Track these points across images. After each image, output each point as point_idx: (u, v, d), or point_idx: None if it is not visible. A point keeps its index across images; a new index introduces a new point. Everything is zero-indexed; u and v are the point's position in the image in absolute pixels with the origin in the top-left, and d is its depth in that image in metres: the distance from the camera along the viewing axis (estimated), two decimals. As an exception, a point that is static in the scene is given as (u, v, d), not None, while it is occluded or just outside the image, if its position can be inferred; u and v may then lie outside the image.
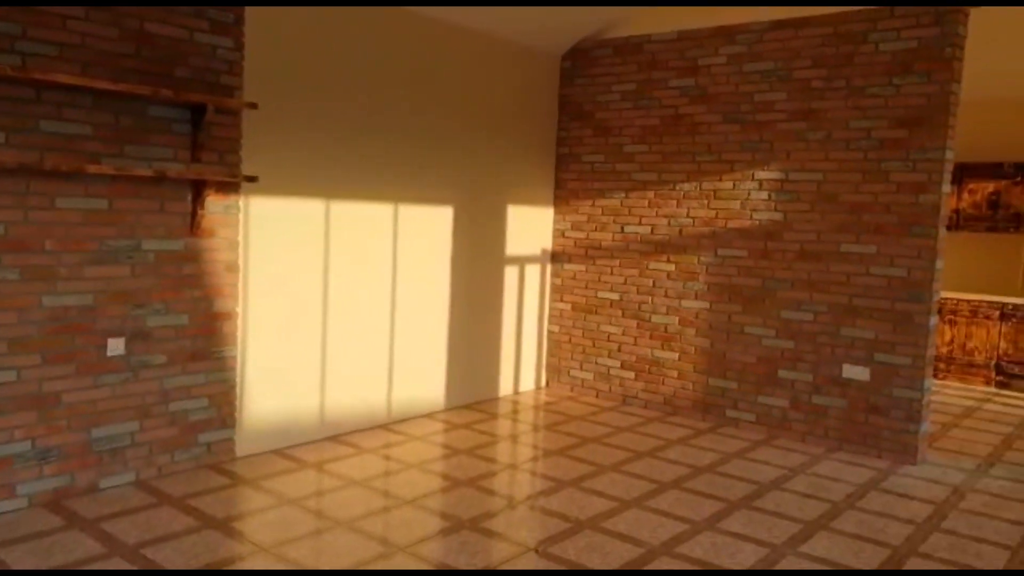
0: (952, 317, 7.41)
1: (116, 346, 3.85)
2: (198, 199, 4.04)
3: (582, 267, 6.28)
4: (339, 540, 3.48)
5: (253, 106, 4.10)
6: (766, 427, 5.40)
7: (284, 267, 4.56)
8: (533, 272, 6.32)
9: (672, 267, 5.81)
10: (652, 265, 5.91)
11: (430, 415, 5.51)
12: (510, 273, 6.10)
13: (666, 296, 5.85)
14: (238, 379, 4.38)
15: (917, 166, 4.80)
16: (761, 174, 5.37)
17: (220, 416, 4.31)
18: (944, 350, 7.44)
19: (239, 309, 4.34)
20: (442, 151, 5.42)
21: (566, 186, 6.33)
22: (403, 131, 5.14)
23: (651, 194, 5.89)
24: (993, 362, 7.24)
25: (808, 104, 5.17)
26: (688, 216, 5.72)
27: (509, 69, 5.87)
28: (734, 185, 5.49)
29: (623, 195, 6.03)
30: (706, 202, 5.63)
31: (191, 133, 4.01)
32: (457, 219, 5.59)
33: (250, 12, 4.22)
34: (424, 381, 5.50)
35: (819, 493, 4.31)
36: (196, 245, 4.12)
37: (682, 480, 4.42)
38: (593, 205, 6.20)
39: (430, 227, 5.43)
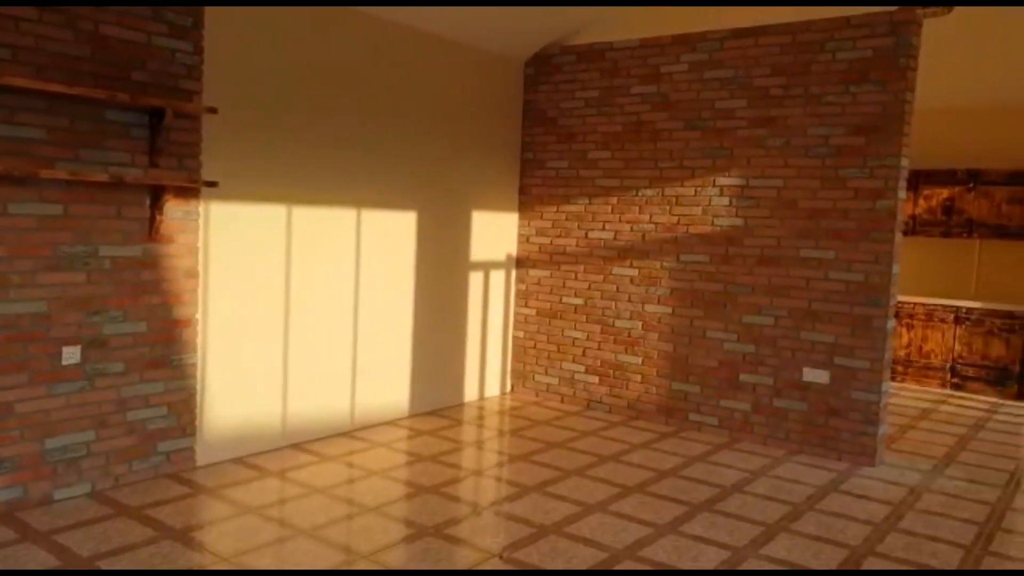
0: (909, 321, 7.58)
1: (71, 354, 3.77)
2: (157, 204, 3.98)
3: (547, 272, 6.30)
4: (301, 549, 3.44)
5: (213, 110, 4.06)
6: (728, 430, 5.46)
7: (245, 273, 4.51)
8: (498, 277, 6.33)
9: (635, 272, 5.86)
10: (616, 270, 5.95)
11: (394, 422, 5.48)
12: (475, 278, 6.09)
13: (630, 301, 5.89)
14: (198, 387, 4.32)
15: (874, 173, 4.90)
16: (722, 180, 5.44)
17: (180, 424, 4.24)
18: (901, 353, 7.60)
19: (199, 316, 4.28)
20: (405, 156, 5.41)
21: (531, 192, 6.36)
22: (366, 136, 5.12)
23: (615, 200, 5.93)
24: (948, 365, 7.41)
25: (767, 111, 5.25)
26: (651, 222, 5.77)
27: (473, 74, 5.88)
28: (695, 191, 5.56)
29: (587, 201, 6.07)
30: (668, 208, 5.69)
31: (149, 138, 3.95)
32: (421, 224, 5.58)
33: (209, 15, 4.17)
34: (388, 388, 5.47)
35: (780, 495, 4.37)
36: (155, 251, 4.05)
37: (645, 484, 4.45)
38: (558, 211, 6.23)
39: (394, 232, 5.40)
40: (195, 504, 3.88)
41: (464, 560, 3.42)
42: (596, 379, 6.08)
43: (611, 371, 6.01)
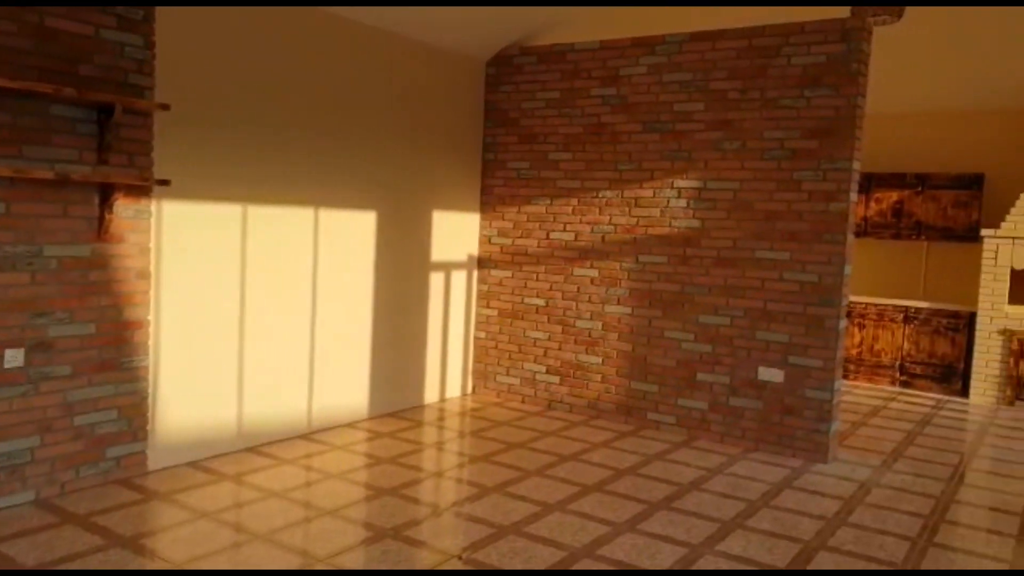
0: (861, 320, 7.75)
1: (14, 357, 3.64)
2: (106, 203, 3.88)
3: (508, 273, 6.30)
4: (257, 553, 3.38)
5: (165, 107, 3.97)
6: (686, 429, 5.52)
7: (200, 273, 4.42)
8: (459, 278, 6.30)
9: (596, 273, 5.89)
10: (577, 271, 5.98)
11: (353, 424, 5.42)
12: (436, 279, 6.06)
13: (590, 302, 5.92)
14: (150, 390, 4.22)
15: (827, 176, 5.00)
16: (680, 182, 5.50)
17: (131, 429, 4.13)
18: (854, 352, 7.77)
19: (151, 317, 4.18)
20: (365, 155, 5.36)
21: (492, 192, 6.35)
22: (324, 135, 5.06)
23: (575, 201, 5.96)
24: (898, 363, 7.61)
25: (725, 115, 5.32)
26: (611, 223, 5.81)
27: (434, 74, 5.85)
28: (654, 193, 5.61)
29: (548, 202, 6.08)
30: (627, 209, 5.73)
31: (98, 134, 3.84)
32: (381, 224, 5.53)
33: (161, 9, 4.07)
34: (346, 389, 5.41)
35: (736, 493, 4.43)
36: (104, 251, 3.95)
37: (604, 483, 4.48)
38: (519, 211, 6.23)
39: (353, 232, 5.35)
40: (146, 510, 3.79)
41: (423, 562, 3.40)
42: (557, 379, 6.10)
43: (572, 371, 6.03)
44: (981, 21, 6.12)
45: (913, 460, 5.22)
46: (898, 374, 7.60)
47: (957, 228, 7.58)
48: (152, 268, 4.16)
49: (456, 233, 6.22)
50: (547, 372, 6.14)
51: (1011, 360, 6.91)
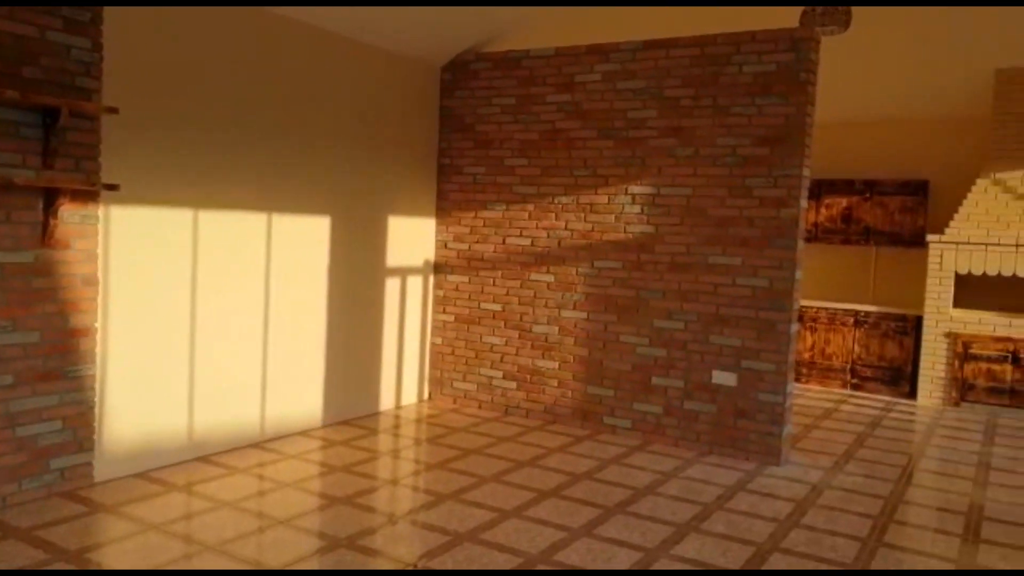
0: (813, 324, 7.91)
1: (-47, 367, 3.53)
2: (51, 208, 3.78)
3: (465, 278, 6.29)
4: (207, 564, 3.32)
5: (113, 110, 3.88)
6: (641, 433, 5.57)
7: (149, 279, 4.33)
8: (415, 284, 6.28)
9: (552, 278, 5.92)
10: (533, 276, 6.00)
11: (307, 432, 5.35)
12: (391, 285, 6.03)
13: (546, 307, 5.94)
14: (97, 399, 4.11)
15: (778, 182, 5.10)
16: (634, 189, 5.56)
17: (76, 439, 4.02)
18: (806, 355, 7.93)
19: (98, 325, 4.08)
20: (319, 160, 5.31)
21: (448, 197, 6.34)
22: (278, 139, 5.00)
23: (531, 207, 5.98)
24: (849, 366, 7.78)
25: (678, 122, 5.40)
26: (566, 229, 5.84)
27: (388, 78, 5.83)
28: (609, 199, 5.66)
29: (504, 207, 6.10)
30: (583, 215, 5.77)
31: (43, 138, 3.75)
32: (335, 229, 5.48)
33: (109, 11, 3.99)
34: (300, 397, 5.35)
35: (690, 496, 4.48)
36: (49, 257, 3.84)
37: (561, 488, 4.49)
38: (475, 217, 6.23)
39: (306, 238, 5.29)
40: (92, 523, 3.69)
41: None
42: (514, 384, 6.11)
43: (528, 376, 6.04)
44: (924, 32, 6.32)
45: (863, 462, 5.34)
46: (849, 377, 7.77)
47: (904, 233, 7.79)
48: (100, 274, 4.07)
49: (412, 238, 6.19)
50: (504, 377, 6.14)
51: (956, 362, 7.12)
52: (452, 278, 6.35)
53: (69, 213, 3.89)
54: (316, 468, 4.67)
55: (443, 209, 6.36)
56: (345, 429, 5.49)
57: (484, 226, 6.19)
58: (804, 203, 5.14)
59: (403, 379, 6.23)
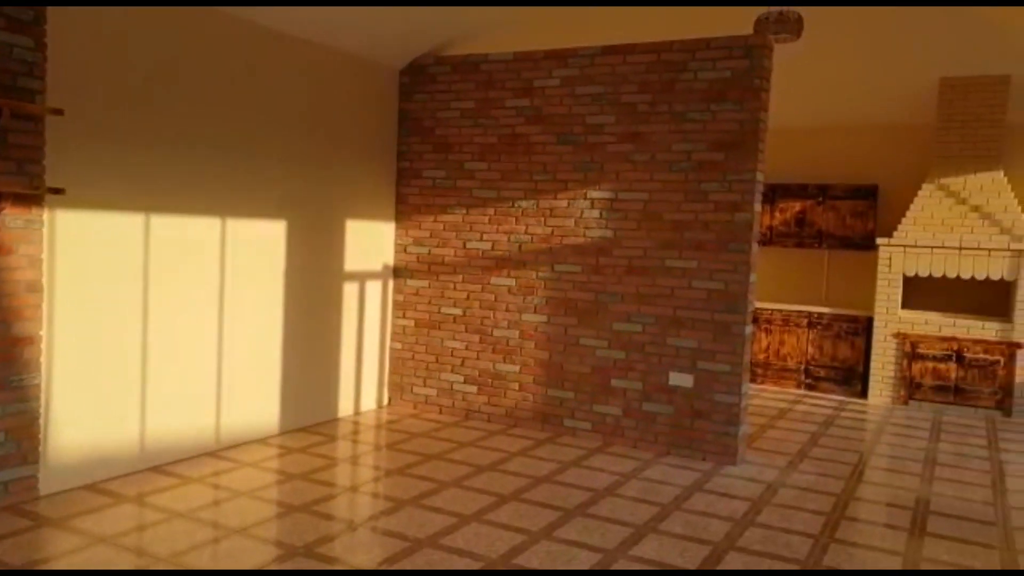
0: (768, 326, 8.05)
1: None
2: (-7, 212, 3.67)
3: (425, 283, 6.26)
4: (158, 579, 3.24)
5: (58, 112, 3.78)
6: (601, 435, 5.60)
7: (98, 285, 4.22)
8: (374, 288, 6.23)
9: (512, 282, 5.92)
10: (494, 280, 5.99)
11: (263, 440, 5.27)
12: (350, 289, 5.97)
13: (507, 311, 5.95)
14: (42, 409, 3.99)
15: (732, 187, 5.18)
16: (593, 193, 5.60)
17: (20, 451, 3.90)
18: (761, 356, 8.06)
19: (43, 332, 3.96)
20: (274, 163, 5.24)
21: (408, 201, 6.31)
22: (232, 142, 4.92)
23: (491, 211, 5.98)
24: (803, 367, 7.93)
25: (635, 127, 5.45)
26: (527, 233, 5.86)
27: (346, 81, 5.78)
28: (568, 204, 5.69)
29: (464, 211, 6.09)
30: (543, 219, 5.79)
31: (-16, 139, 3.64)
32: (291, 233, 5.41)
33: (53, 10, 3.88)
34: (256, 404, 5.26)
35: (649, 497, 4.52)
36: (-9, 263, 3.72)
37: (521, 491, 4.49)
38: (435, 220, 6.21)
39: (261, 242, 5.21)
40: (38, 537, 3.58)
41: (335, 579, 3.33)
42: (475, 389, 6.09)
43: (490, 380, 6.04)
44: (873, 42, 6.49)
45: (817, 460, 5.44)
46: (803, 377, 7.92)
47: (855, 237, 7.97)
48: (44, 281, 3.95)
49: (371, 242, 6.14)
50: (465, 382, 6.13)
51: (904, 362, 7.30)
52: (412, 282, 6.31)
53: (11, 218, 3.77)
54: (273, 476, 4.60)
55: (403, 213, 6.33)
56: (303, 436, 5.42)
57: (444, 230, 6.18)
58: (758, 207, 5.22)
59: (362, 385, 6.17)
